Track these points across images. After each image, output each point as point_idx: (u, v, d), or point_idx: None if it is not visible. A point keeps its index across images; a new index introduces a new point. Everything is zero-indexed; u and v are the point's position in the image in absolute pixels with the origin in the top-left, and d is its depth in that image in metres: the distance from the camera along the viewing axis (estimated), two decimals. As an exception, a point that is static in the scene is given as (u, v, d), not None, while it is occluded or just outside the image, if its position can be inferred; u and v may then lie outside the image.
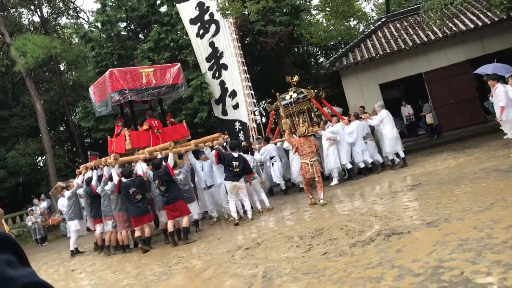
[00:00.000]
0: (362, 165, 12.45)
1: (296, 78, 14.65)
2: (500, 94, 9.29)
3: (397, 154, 12.18)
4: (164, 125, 12.48)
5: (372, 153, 12.52)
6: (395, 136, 12.07)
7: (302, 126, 10.18)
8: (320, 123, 13.13)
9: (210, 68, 17.99)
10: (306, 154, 9.60)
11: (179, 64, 12.68)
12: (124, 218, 9.44)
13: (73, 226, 11.33)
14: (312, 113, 14.45)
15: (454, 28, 15.89)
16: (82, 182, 10.82)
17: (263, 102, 14.39)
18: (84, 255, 11.19)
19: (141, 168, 9.57)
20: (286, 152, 12.94)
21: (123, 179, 9.27)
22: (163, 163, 9.30)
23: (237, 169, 9.65)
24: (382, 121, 12.17)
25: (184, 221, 9.04)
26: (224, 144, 10.73)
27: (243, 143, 13.72)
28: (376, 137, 12.91)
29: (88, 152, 15.24)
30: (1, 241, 0.85)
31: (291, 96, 14.19)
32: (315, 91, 14.51)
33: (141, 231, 9.32)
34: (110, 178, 9.62)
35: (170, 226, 8.99)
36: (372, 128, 12.79)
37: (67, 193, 11.97)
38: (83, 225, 11.55)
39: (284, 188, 13.00)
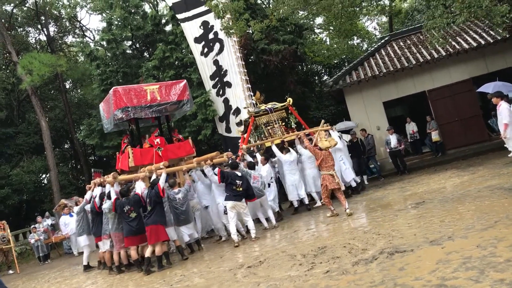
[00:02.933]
0: (353, 184, 12.66)
1: (258, 95, 14.48)
2: (504, 112, 9.28)
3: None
4: (171, 142, 12.43)
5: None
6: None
7: (327, 140, 10.24)
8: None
9: (214, 86, 18.09)
10: (330, 166, 9.85)
11: (185, 81, 12.59)
12: (121, 237, 9.32)
13: (82, 241, 11.25)
14: (291, 122, 14.14)
15: (457, 47, 15.96)
16: (90, 198, 10.76)
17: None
18: (86, 273, 11.07)
19: (139, 187, 9.52)
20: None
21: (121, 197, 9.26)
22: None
23: (240, 188, 9.47)
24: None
25: (156, 249, 8.81)
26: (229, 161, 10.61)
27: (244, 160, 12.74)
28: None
29: (92, 170, 15.30)
30: None
31: (265, 106, 13.86)
32: (290, 100, 14.12)
33: (141, 251, 9.26)
34: (108, 197, 9.56)
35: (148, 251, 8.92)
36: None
37: (75, 209, 11.91)
38: (92, 240, 11.43)
39: (277, 210, 11.68)
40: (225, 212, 9.80)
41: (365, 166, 15.24)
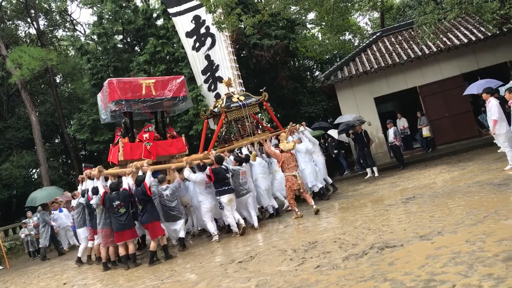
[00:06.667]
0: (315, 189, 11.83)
1: (229, 80, 13.91)
2: (493, 108, 9.35)
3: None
4: (164, 138, 12.21)
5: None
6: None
7: (289, 142, 10.36)
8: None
9: (206, 81, 18.03)
10: (292, 168, 10.02)
11: (182, 77, 12.07)
12: (108, 233, 9.19)
13: (82, 233, 11.15)
14: (263, 119, 13.73)
15: (448, 43, 16.04)
16: (82, 191, 10.57)
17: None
18: (76, 268, 11.01)
19: (127, 182, 9.38)
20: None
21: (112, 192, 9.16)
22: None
23: (230, 181, 9.73)
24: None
25: (152, 245, 8.84)
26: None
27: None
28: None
29: (83, 164, 15.13)
30: None
31: (238, 98, 12.95)
32: (265, 94, 13.27)
33: (125, 248, 9.13)
34: (96, 191, 9.36)
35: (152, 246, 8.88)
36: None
37: (74, 202, 11.75)
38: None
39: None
40: (221, 208, 9.70)
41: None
